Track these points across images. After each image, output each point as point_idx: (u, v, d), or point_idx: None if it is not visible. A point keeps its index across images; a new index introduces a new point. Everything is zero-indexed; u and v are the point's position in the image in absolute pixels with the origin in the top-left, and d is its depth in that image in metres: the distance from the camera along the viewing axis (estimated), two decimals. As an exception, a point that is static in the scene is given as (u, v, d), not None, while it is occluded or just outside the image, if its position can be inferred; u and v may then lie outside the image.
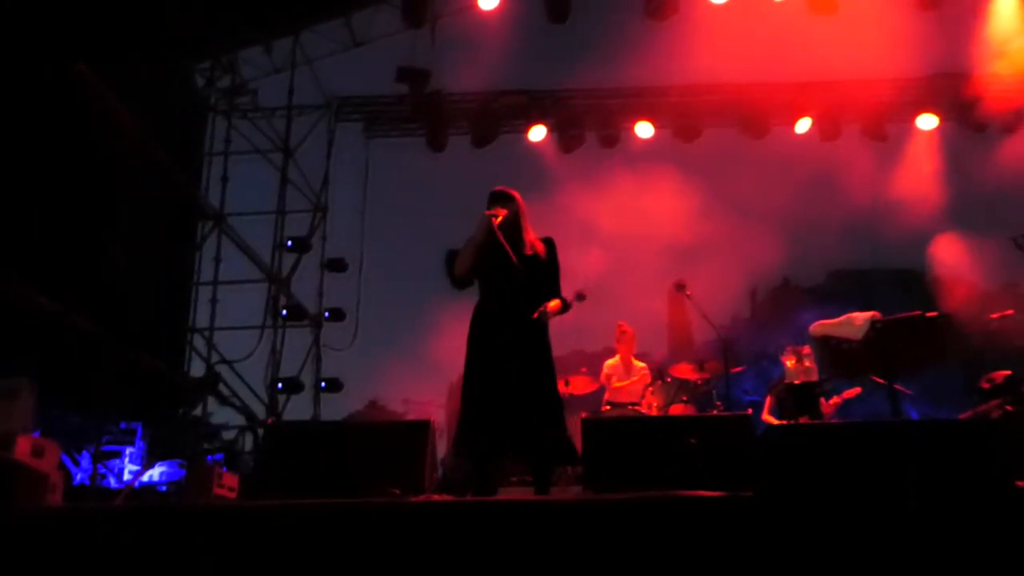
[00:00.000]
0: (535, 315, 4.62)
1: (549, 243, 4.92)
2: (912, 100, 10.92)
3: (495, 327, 4.66)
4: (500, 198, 4.88)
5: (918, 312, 5.50)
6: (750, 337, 10.95)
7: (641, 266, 10.94)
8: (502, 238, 4.73)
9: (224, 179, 11.04)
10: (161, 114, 9.16)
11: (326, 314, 11.13)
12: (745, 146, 11.19)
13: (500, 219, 4.78)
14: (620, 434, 4.64)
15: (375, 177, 11.92)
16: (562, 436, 4.55)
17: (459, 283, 4.86)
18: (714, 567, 3.05)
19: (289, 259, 11.14)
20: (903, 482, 3.26)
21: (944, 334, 5.48)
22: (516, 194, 4.92)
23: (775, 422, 7.45)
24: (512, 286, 4.72)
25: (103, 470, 7.88)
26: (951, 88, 10.50)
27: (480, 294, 4.85)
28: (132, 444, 8.35)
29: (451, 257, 4.85)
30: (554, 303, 4.76)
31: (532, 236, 4.88)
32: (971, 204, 10.73)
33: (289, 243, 10.97)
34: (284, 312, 10.83)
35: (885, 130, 11.00)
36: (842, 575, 3.04)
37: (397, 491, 4.09)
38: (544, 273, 4.82)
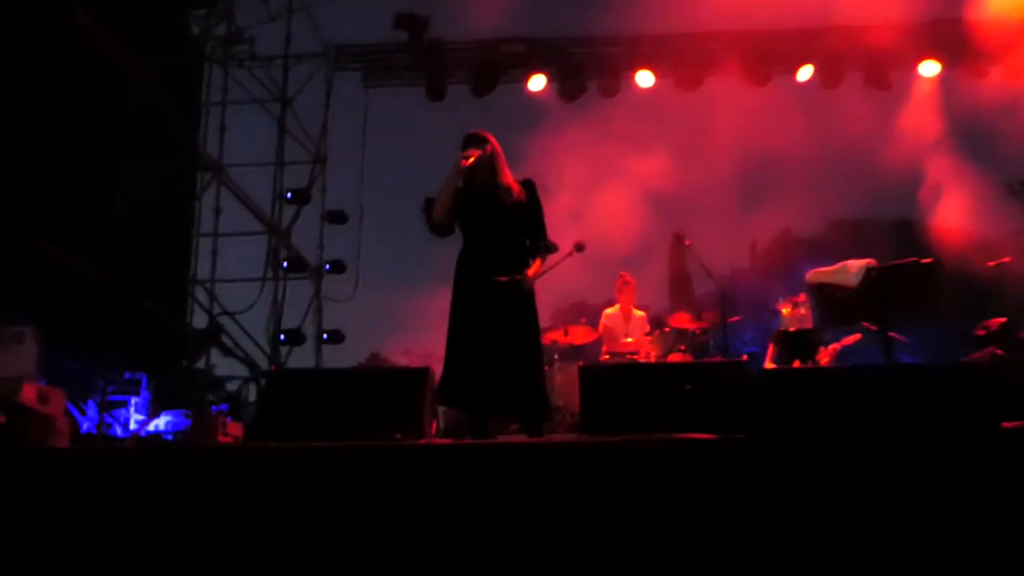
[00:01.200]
0: (508, 279, 4.57)
1: (529, 185, 4.83)
2: (914, 46, 10.81)
3: (477, 276, 4.63)
4: (474, 141, 4.77)
5: (913, 259, 5.54)
6: (750, 288, 10.98)
7: (642, 217, 10.94)
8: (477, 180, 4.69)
9: (222, 129, 11.01)
10: (157, 63, 9.11)
11: (327, 266, 11.17)
12: (746, 95, 11.12)
13: (472, 160, 4.68)
14: (617, 381, 4.71)
15: (374, 127, 11.86)
16: (535, 392, 4.55)
17: (438, 230, 4.79)
18: (706, 507, 3.14)
19: (289, 210, 11.16)
20: (892, 425, 3.35)
21: (939, 281, 5.54)
22: (490, 136, 4.82)
23: (776, 370, 7.55)
24: (493, 232, 4.68)
25: (109, 419, 7.98)
26: (953, 34, 10.40)
27: (463, 241, 4.80)
28: (137, 394, 8.44)
29: (429, 204, 4.79)
30: (533, 266, 4.71)
31: (510, 178, 4.79)
32: (971, 152, 10.69)
33: (288, 194, 10.98)
34: (285, 264, 10.88)
35: (888, 78, 10.92)
36: (830, 514, 3.13)
37: (398, 436, 4.17)
38: (525, 216, 4.75)
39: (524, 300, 4.65)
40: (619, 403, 4.55)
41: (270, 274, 10.87)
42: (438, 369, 4.72)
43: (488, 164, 4.73)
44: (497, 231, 4.69)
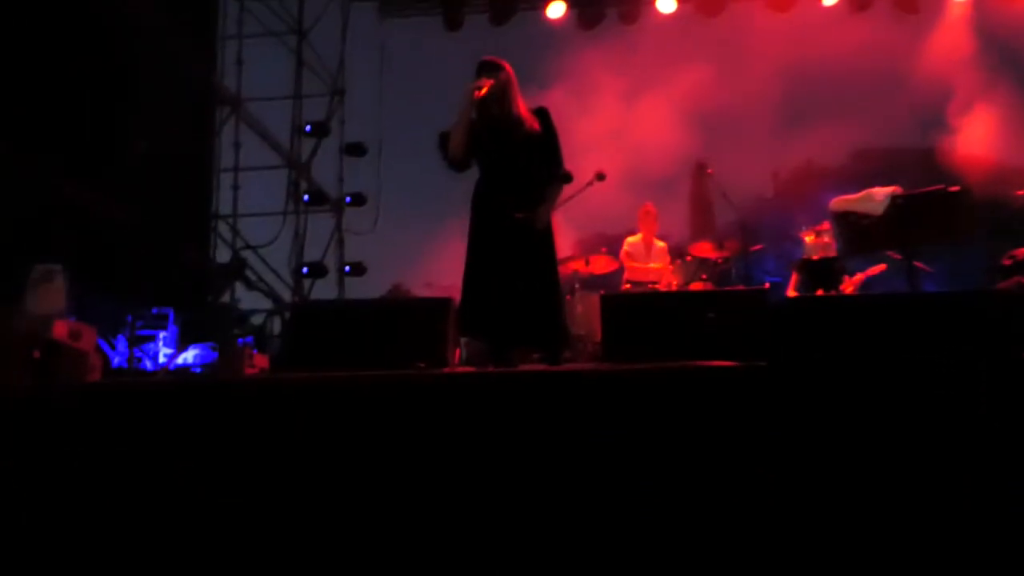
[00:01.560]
0: (524, 215, 4.57)
1: (543, 113, 4.75)
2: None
3: (493, 211, 4.63)
4: (487, 68, 4.69)
5: (940, 186, 5.47)
6: (773, 218, 10.89)
7: (664, 147, 10.82)
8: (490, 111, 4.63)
9: (239, 63, 10.93)
10: (171, -4, 9.03)
11: (347, 199, 11.20)
12: (771, 20, 10.86)
13: (485, 90, 4.60)
14: (638, 310, 4.72)
15: (392, 58, 11.74)
16: (553, 321, 4.59)
17: (455, 166, 4.74)
18: (727, 432, 3.17)
19: (308, 144, 11.14)
20: (916, 355, 3.34)
21: (966, 209, 5.46)
22: (505, 63, 4.72)
23: (798, 298, 7.53)
24: (507, 165, 4.64)
25: (139, 354, 8.12)
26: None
27: (479, 174, 4.78)
28: (165, 329, 8.56)
29: (443, 140, 4.73)
30: (549, 200, 4.68)
31: (524, 109, 4.72)
32: (1003, 78, 10.43)
33: (308, 128, 10.94)
34: (306, 197, 10.91)
35: (917, 1, 10.63)
36: (851, 443, 3.15)
37: (422, 365, 4.22)
38: (541, 147, 4.70)
39: (541, 232, 4.65)
40: (640, 332, 4.56)
41: (291, 208, 10.92)
42: (458, 298, 4.76)
43: (502, 94, 4.65)
44: (512, 164, 4.65)
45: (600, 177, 6.69)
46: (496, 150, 4.67)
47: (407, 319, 4.69)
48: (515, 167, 4.66)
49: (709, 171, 7.83)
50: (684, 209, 12.37)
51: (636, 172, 10.13)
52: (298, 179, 11.03)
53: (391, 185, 11.56)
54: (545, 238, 4.67)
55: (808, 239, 7.56)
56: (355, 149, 11.25)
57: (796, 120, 11.13)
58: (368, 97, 11.61)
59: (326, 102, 11.36)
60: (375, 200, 11.27)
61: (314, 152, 11.14)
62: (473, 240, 4.70)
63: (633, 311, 4.77)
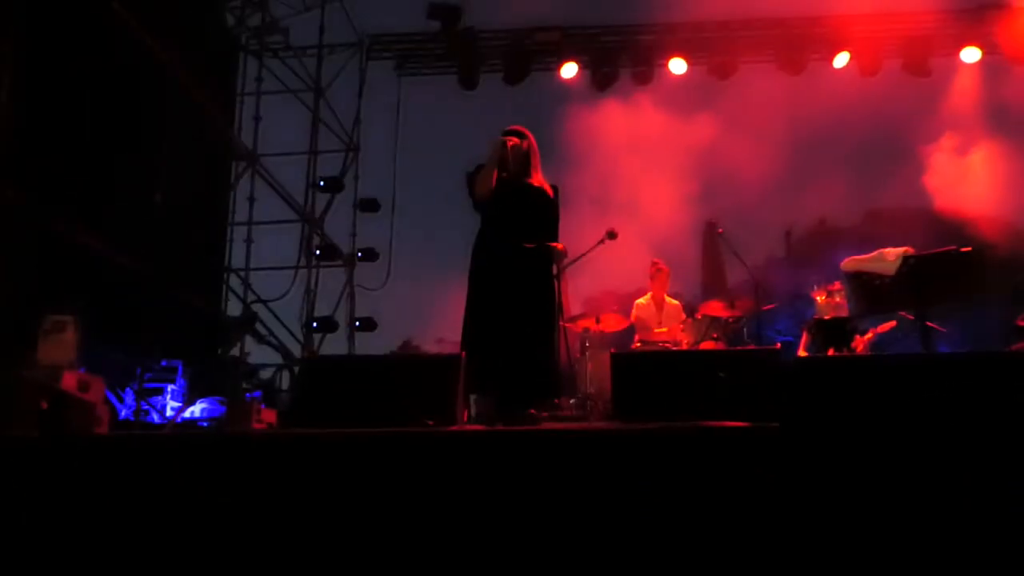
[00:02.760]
0: (532, 245, 4.75)
1: (556, 190, 5.03)
2: (955, 33, 10.63)
3: (497, 258, 4.78)
4: (515, 132, 4.99)
5: (952, 247, 5.47)
6: (784, 277, 10.88)
7: (675, 205, 10.87)
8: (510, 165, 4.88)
9: (257, 119, 11.11)
10: (193, 53, 9.21)
11: (359, 254, 11.26)
12: (781, 83, 11.00)
13: (515, 141, 4.89)
14: (649, 368, 4.71)
15: (407, 116, 11.90)
16: (547, 371, 4.71)
17: (480, 205, 4.95)
18: (737, 494, 3.13)
19: (322, 199, 11.24)
20: (929, 416, 3.30)
21: (978, 269, 5.45)
22: (529, 134, 5.02)
23: (808, 359, 7.48)
24: (517, 220, 4.82)
25: (146, 406, 8.11)
26: (995, 19, 10.20)
27: (481, 225, 4.93)
28: (173, 382, 8.56)
29: (472, 178, 4.94)
30: (560, 246, 4.90)
31: (541, 175, 4.99)
32: (1015, 140, 10.49)
33: (322, 183, 11.06)
34: (318, 252, 10.98)
35: (927, 64, 10.74)
36: (862, 506, 3.10)
37: (431, 423, 4.20)
38: (548, 213, 4.93)
39: (542, 277, 4.79)
40: (651, 390, 4.55)
41: (303, 262, 10.99)
42: None
43: (525, 157, 4.91)
44: (521, 220, 4.84)
45: (611, 235, 6.74)
46: (508, 206, 4.83)
47: (416, 376, 4.68)
48: (523, 224, 4.83)
49: (720, 231, 7.84)
50: (695, 268, 12.38)
51: (647, 231, 10.17)
52: (311, 234, 11.12)
53: (403, 241, 11.65)
54: (546, 283, 4.82)
55: (820, 299, 7.55)
56: (368, 205, 11.34)
57: (808, 180, 11.18)
58: (382, 154, 11.76)
59: (341, 158, 11.50)
60: (387, 256, 11.34)
61: (328, 207, 11.26)
62: (473, 289, 4.83)
63: (644, 370, 4.77)
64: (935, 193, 10.60)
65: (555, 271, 4.88)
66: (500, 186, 4.87)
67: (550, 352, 4.80)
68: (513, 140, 4.88)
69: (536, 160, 4.98)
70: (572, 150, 10.93)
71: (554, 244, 4.89)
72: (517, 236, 4.82)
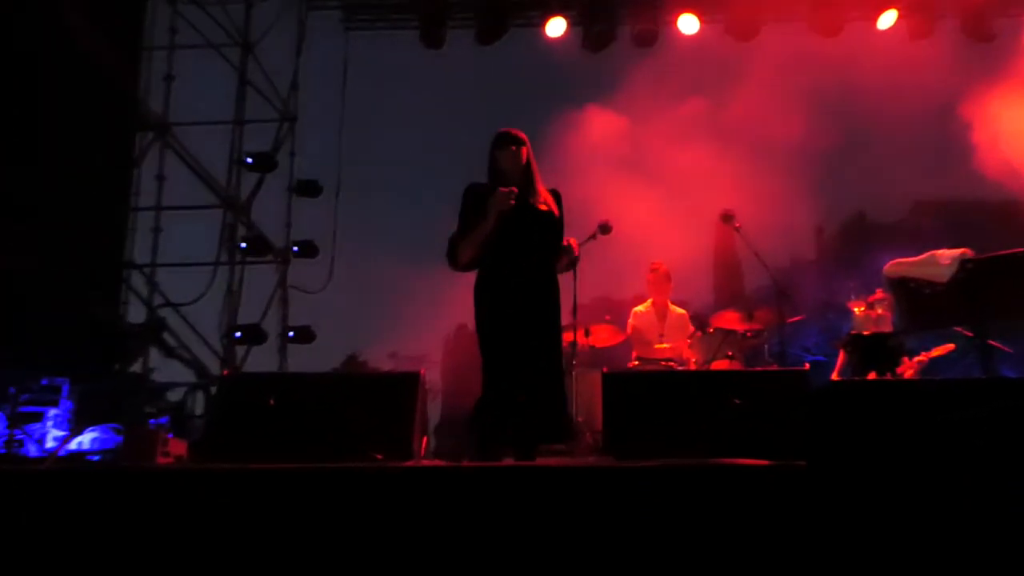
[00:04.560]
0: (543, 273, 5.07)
1: (557, 196, 5.25)
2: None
3: (509, 292, 4.97)
4: (506, 142, 5.14)
5: (1021, 249, 5.50)
6: (815, 283, 11.00)
7: (682, 194, 10.91)
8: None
9: (168, 79, 11.01)
10: (89, -4, 9.12)
11: (295, 248, 11.19)
12: (815, 46, 11.06)
13: (509, 155, 5.10)
14: (648, 392, 4.73)
15: (356, 79, 11.87)
16: (557, 411, 4.92)
17: (462, 269, 5.15)
18: (756, 549, 3.13)
19: (249, 180, 11.17)
20: (990, 456, 3.32)
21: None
22: (525, 137, 5.18)
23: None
24: (522, 240, 5.03)
25: (20, 435, 8.00)
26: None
27: (490, 249, 5.05)
28: (56, 405, 8.44)
29: (453, 247, 5.11)
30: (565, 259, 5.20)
31: (543, 187, 5.18)
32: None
33: (249, 159, 10.98)
34: (243, 245, 10.90)
35: (990, 26, 10.84)
36: (906, 563, 3.11)
37: (379, 456, 4.19)
38: (554, 230, 5.15)
39: (551, 312, 5.06)
40: (651, 419, 4.58)
41: (224, 257, 10.90)
42: (432, 376, 4.80)
43: (524, 171, 5.12)
44: (527, 240, 5.03)
45: (604, 230, 6.75)
46: (511, 226, 5.01)
47: (365, 399, 4.67)
48: (529, 243, 5.04)
49: (737, 224, 7.87)
50: (706, 271, 12.44)
51: (648, 224, 10.19)
52: (234, 222, 11.04)
53: (350, 233, 11.61)
54: (553, 318, 5.07)
55: (858, 310, 7.59)
56: (307, 188, 11.28)
57: (845, 166, 11.29)
58: (325, 125, 11.71)
59: (273, 129, 11.42)
60: (329, 251, 11.28)
61: (256, 190, 11.18)
62: (488, 330, 4.97)
63: (642, 394, 4.78)
64: (999, 182, 10.68)
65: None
66: (510, 225, 5.02)
67: (563, 391, 5.02)
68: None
69: (536, 169, 5.19)
70: (557, 126, 10.96)
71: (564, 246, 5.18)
72: (527, 257, 5.04)
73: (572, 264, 5.26)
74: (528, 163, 5.16)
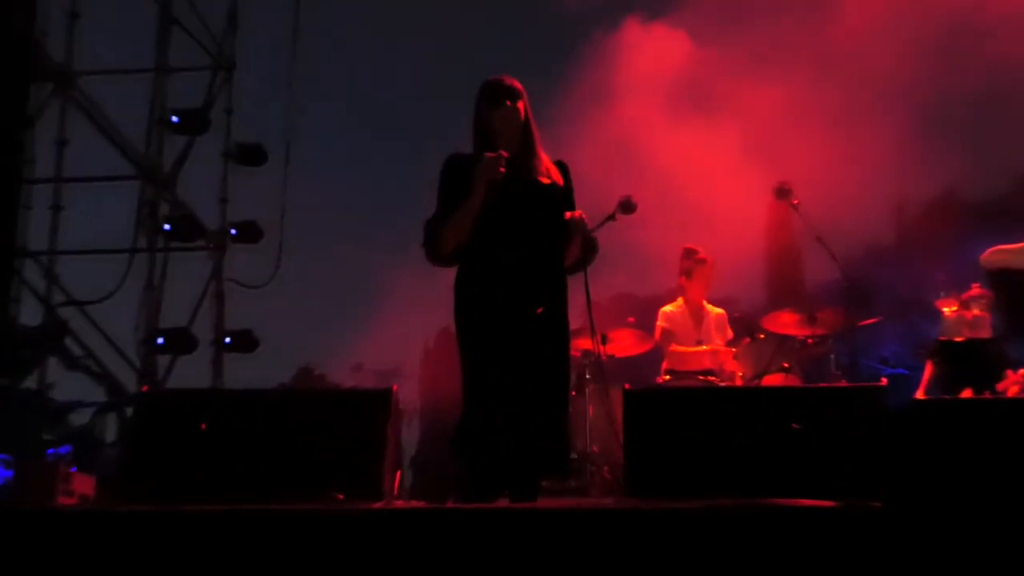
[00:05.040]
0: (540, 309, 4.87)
1: (564, 169, 5.17)
2: None
3: (501, 287, 4.87)
4: (500, 94, 5.03)
5: None
6: (894, 276, 11.00)
7: (723, 164, 10.92)
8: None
9: (72, 17, 11.02)
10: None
11: (233, 231, 11.19)
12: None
13: (506, 112, 4.96)
14: (682, 413, 4.73)
15: (309, 19, 11.86)
16: (559, 442, 4.86)
17: (445, 262, 5.04)
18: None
19: (175, 144, 11.18)
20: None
21: None
22: (523, 89, 5.08)
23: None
24: (519, 220, 4.94)
25: None
26: None
27: (478, 235, 4.95)
28: (-77, 429, 8.51)
29: (433, 232, 4.98)
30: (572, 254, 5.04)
31: (545, 156, 5.09)
32: None
33: (175, 118, 10.98)
34: (167, 227, 10.89)
35: None
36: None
37: (341, 495, 4.19)
38: (563, 201, 5.05)
39: (558, 322, 4.94)
40: (685, 449, 4.57)
41: (143, 243, 10.90)
42: (406, 392, 4.80)
43: (522, 131, 5.02)
44: (524, 221, 4.94)
45: (626, 208, 6.70)
46: (504, 203, 4.91)
47: (322, 423, 4.67)
48: (525, 228, 4.94)
49: (795, 201, 7.87)
50: (756, 261, 12.43)
51: (681, 200, 10.19)
52: (156, 198, 11.04)
53: (303, 213, 11.60)
54: (561, 330, 4.95)
55: (948, 310, 7.60)
56: (249, 154, 11.29)
57: (928, 131, 11.26)
58: (272, 75, 11.71)
59: (205, 80, 11.45)
60: (276, 235, 11.31)
61: (183, 157, 11.19)
62: (473, 333, 4.88)
63: (674, 416, 4.77)
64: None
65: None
66: (503, 197, 4.91)
67: (565, 412, 4.98)
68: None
69: (536, 129, 5.10)
70: (563, 79, 10.95)
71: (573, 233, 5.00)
72: (520, 258, 4.93)
73: (589, 252, 5.10)
74: (527, 122, 5.07)
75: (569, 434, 5.13)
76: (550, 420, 4.79)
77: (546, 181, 5.01)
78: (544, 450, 4.77)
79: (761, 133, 10.91)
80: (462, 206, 4.85)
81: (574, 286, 5.10)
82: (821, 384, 7.61)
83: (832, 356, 8.17)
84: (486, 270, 4.92)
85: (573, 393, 7.53)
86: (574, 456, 7.38)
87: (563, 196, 5.07)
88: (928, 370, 7.70)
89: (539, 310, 4.86)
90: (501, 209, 4.90)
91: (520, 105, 5.02)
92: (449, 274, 5.01)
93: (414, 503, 4.93)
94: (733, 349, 8.04)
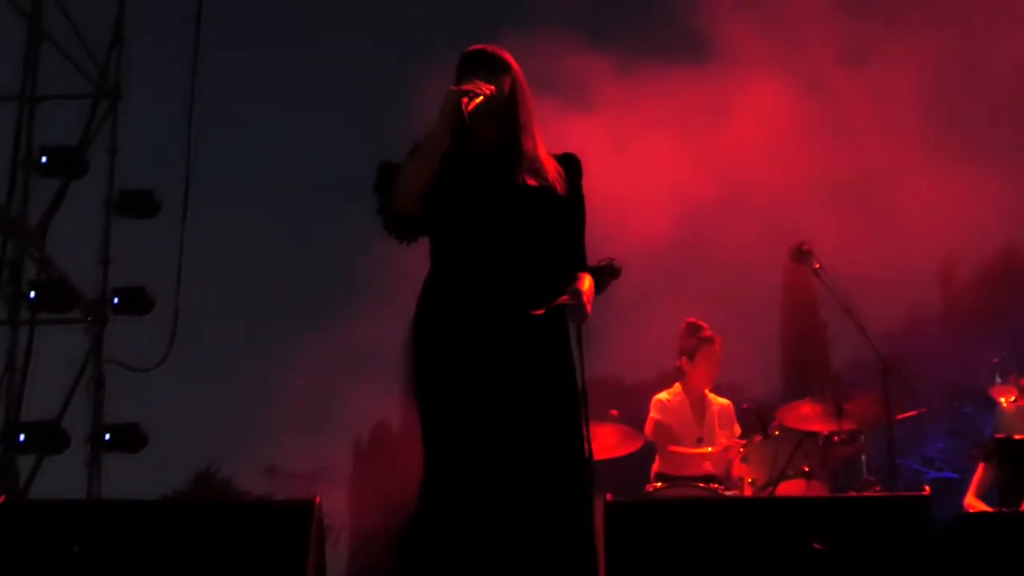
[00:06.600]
0: (540, 311, 4.62)
1: (570, 163, 4.88)
2: None
3: (473, 322, 4.62)
4: (481, 63, 4.80)
5: None
6: (940, 354, 11.16)
7: (733, 217, 11.05)
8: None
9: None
10: None
11: (116, 299, 11.19)
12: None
13: (481, 99, 4.61)
14: (676, 532, 4.74)
15: (215, 35, 11.95)
16: (582, 534, 4.57)
17: (404, 225, 4.72)
18: None
19: (43, 191, 11.19)
20: None
21: None
22: (512, 60, 4.86)
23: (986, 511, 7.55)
24: (501, 237, 4.69)
25: None
26: None
27: (437, 256, 4.78)
28: None
29: (388, 175, 4.71)
30: (587, 285, 4.72)
31: (542, 147, 4.84)
32: None
33: (44, 158, 11.00)
34: (32, 295, 10.88)
35: None
36: None
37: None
38: (561, 217, 4.78)
39: (555, 358, 4.68)
40: (684, 572, 4.57)
41: (3, 314, 10.89)
42: (332, 501, 4.77)
43: (508, 113, 4.77)
44: (512, 237, 4.70)
45: (611, 272, 6.77)
46: (483, 211, 4.67)
47: (225, 543, 4.66)
48: (516, 243, 4.70)
49: (816, 264, 7.94)
50: (770, 338, 12.53)
51: (681, 259, 10.29)
52: (20, 256, 11.03)
53: (204, 274, 11.66)
54: (561, 369, 4.68)
55: (1007, 400, 7.65)
56: (137, 203, 11.31)
57: (986, 176, 11.43)
58: (165, 104, 11.77)
59: (84, 111, 11.47)
60: (171, 304, 11.30)
61: (55, 207, 11.19)
62: (433, 377, 4.65)
63: (668, 535, 4.79)
64: None
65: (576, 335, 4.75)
66: (466, 180, 4.71)
67: (584, 498, 4.62)
68: (486, 88, 4.59)
69: (529, 111, 4.83)
70: (560, 119, 11.07)
71: (579, 281, 4.67)
72: (512, 277, 4.66)
73: (606, 278, 4.89)
74: (512, 101, 4.76)
75: (595, 539, 4.63)
76: (561, 512, 4.51)
77: (534, 183, 4.69)
78: (563, 560, 4.47)
79: (775, 191, 11.06)
80: (424, 135, 4.59)
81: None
82: (850, 493, 7.65)
83: (864, 457, 8.20)
84: (452, 292, 4.68)
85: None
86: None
87: (563, 206, 4.76)
88: (978, 473, 7.70)
89: (529, 355, 4.57)
90: (470, 219, 4.68)
91: (506, 80, 4.76)
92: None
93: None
94: (741, 449, 8.06)
